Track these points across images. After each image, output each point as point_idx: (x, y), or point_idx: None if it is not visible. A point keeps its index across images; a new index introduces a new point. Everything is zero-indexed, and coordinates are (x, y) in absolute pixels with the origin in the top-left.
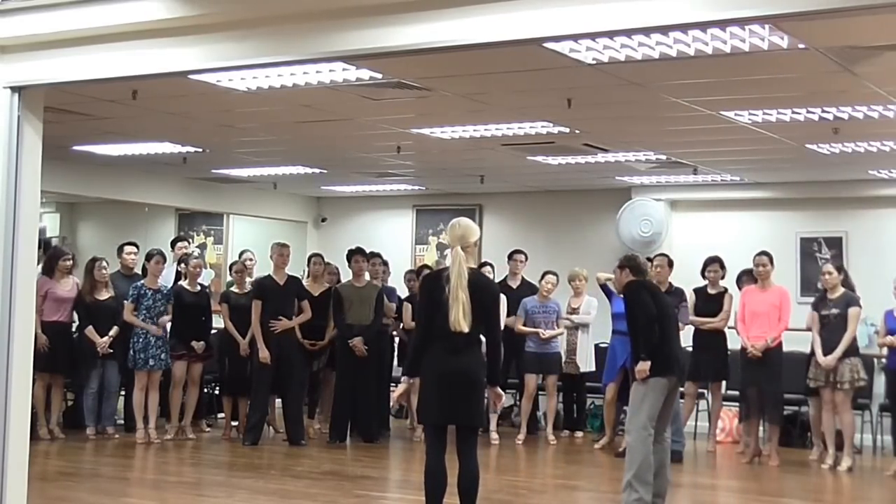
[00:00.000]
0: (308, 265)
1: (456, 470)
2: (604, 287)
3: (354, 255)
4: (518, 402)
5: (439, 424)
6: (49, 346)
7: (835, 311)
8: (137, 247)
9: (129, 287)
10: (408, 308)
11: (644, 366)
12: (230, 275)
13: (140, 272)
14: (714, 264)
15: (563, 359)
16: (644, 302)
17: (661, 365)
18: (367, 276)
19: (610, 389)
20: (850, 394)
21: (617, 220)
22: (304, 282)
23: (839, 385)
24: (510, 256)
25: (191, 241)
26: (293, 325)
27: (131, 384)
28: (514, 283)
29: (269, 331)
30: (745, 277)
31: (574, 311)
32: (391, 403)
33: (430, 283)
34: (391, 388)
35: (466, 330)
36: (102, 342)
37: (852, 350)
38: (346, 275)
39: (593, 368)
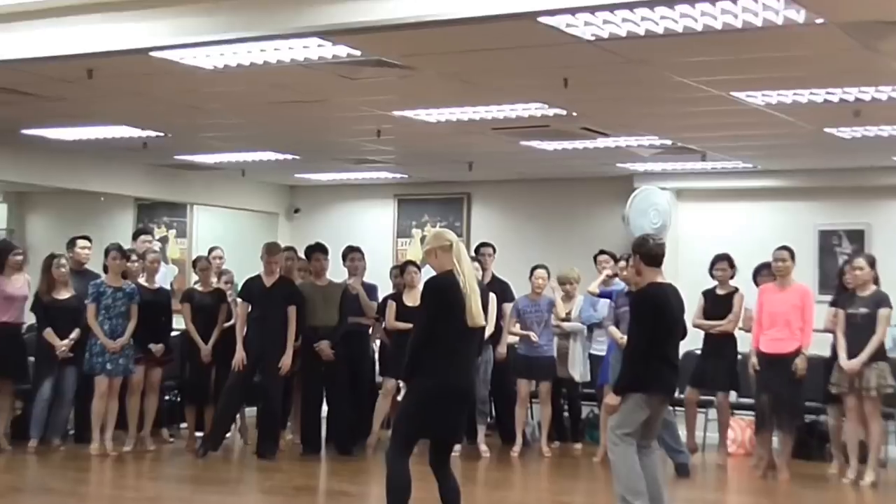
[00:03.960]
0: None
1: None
2: (602, 293)
3: (314, 251)
4: (492, 417)
5: (435, 440)
6: None
7: (863, 310)
8: (91, 241)
9: (82, 284)
10: (391, 307)
11: (612, 400)
12: (194, 271)
13: (103, 269)
14: (722, 262)
15: (556, 364)
16: (645, 317)
17: (643, 380)
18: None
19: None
20: (877, 401)
21: (626, 214)
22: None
23: (865, 392)
24: (476, 250)
25: (153, 233)
26: (289, 360)
27: (85, 391)
28: (485, 279)
29: (249, 336)
30: (765, 271)
31: (566, 316)
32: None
33: (441, 285)
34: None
35: (485, 323)
36: (63, 345)
37: (880, 354)
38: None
39: (588, 379)
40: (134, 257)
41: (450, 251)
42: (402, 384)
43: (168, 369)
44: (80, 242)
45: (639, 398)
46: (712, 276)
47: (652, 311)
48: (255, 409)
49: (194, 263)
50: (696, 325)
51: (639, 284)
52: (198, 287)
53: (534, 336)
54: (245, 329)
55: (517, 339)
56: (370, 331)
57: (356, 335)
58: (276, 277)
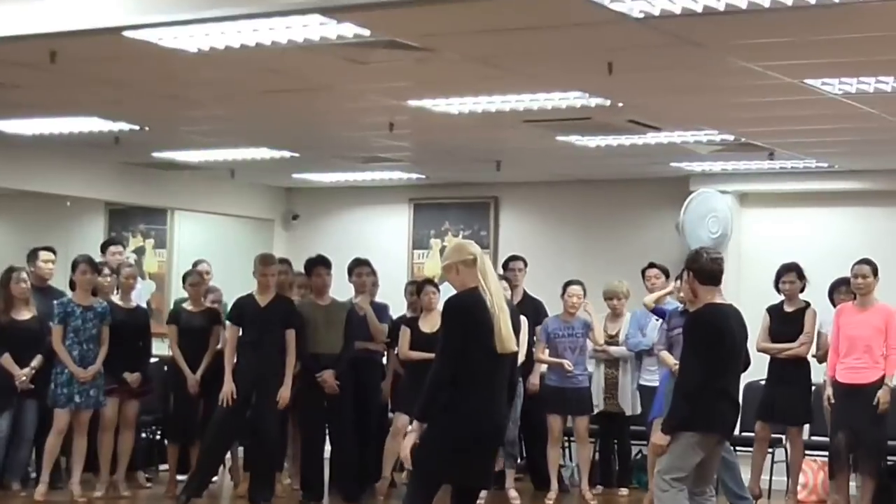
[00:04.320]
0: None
1: None
2: (656, 311)
3: (315, 265)
4: (523, 458)
5: (459, 487)
6: None
7: None
8: (55, 253)
9: (44, 303)
10: (405, 333)
11: (661, 440)
12: (184, 287)
13: (69, 285)
14: (790, 273)
15: (602, 395)
16: (700, 344)
17: (697, 416)
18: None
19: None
20: None
21: (680, 221)
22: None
23: None
24: (505, 265)
25: (125, 244)
26: (288, 392)
27: (48, 427)
28: (515, 299)
29: (243, 363)
30: (844, 288)
31: (612, 339)
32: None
33: (465, 305)
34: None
35: (517, 348)
36: (22, 374)
37: None
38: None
39: (639, 411)
40: (106, 271)
41: (473, 266)
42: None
43: (145, 402)
44: (43, 255)
45: (691, 438)
46: (778, 289)
47: (709, 337)
48: (245, 447)
49: (184, 278)
50: (760, 350)
51: (695, 305)
52: (186, 306)
53: (567, 364)
54: (235, 356)
55: (545, 367)
56: (383, 359)
57: (364, 363)
58: (272, 296)
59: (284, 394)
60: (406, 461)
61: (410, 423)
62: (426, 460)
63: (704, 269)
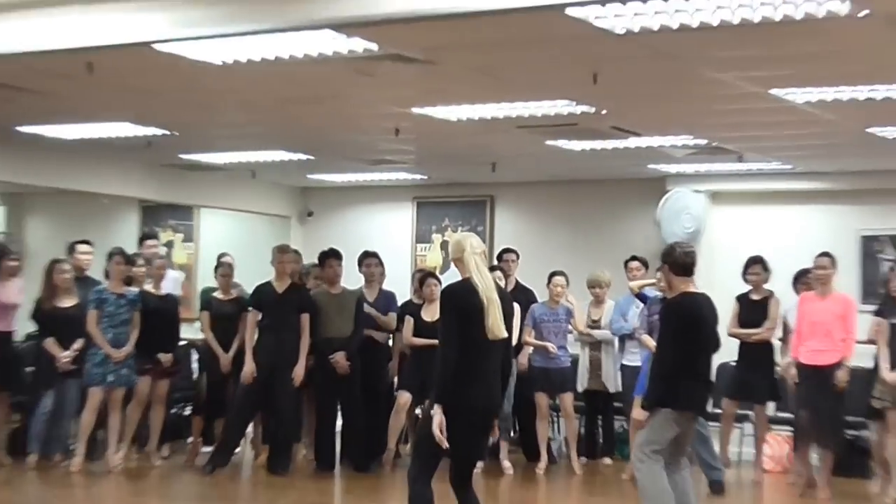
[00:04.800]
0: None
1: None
2: (639, 296)
3: (328, 258)
4: (517, 432)
5: (456, 460)
6: None
7: None
8: (92, 245)
9: (83, 292)
10: (409, 322)
11: (640, 415)
12: (215, 277)
13: (104, 274)
14: (756, 265)
15: (587, 375)
16: (676, 329)
17: (672, 395)
18: (343, 283)
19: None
20: None
21: (657, 217)
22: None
23: None
24: (499, 256)
25: (158, 238)
26: (302, 370)
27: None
28: (508, 287)
29: (263, 345)
30: (805, 279)
31: (595, 323)
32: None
33: (458, 294)
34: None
35: (505, 335)
36: (64, 356)
37: None
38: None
39: (620, 389)
40: (140, 262)
41: (468, 259)
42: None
43: (174, 381)
44: (81, 248)
45: (668, 414)
46: (745, 280)
47: (683, 322)
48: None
49: (215, 269)
50: (731, 335)
51: (671, 294)
52: (217, 295)
53: (552, 347)
54: (255, 338)
55: (532, 349)
56: (389, 342)
57: (372, 347)
58: (288, 284)
59: (299, 371)
60: (440, 438)
61: (413, 401)
62: (425, 437)
63: (678, 261)
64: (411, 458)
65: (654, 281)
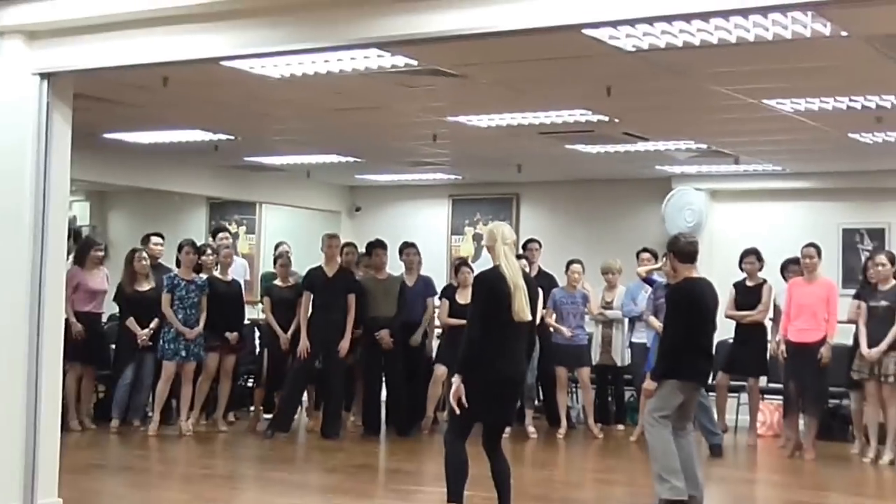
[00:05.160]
0: (341, 255)
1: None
2: (647, 280)
3: (375, 247)
4: (539, 401)
5: (487, 424)
6: (83, 335)
7: (884, 303)
8: (163, 237)
9: (156, 278)
10: (444, 304)
11: (650, 385)
12: (274, 267)
13: (175, 263)
14: (751, 256)
15: (599, 351)
16: (680, 310)
17: (678, 368)
18: (388, 269)
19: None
20: (895, 387)
21: (662, 212)
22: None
23: (884, 378)
24: (524, 246)
25: (231, 232)
26: (347, 343)
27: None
28: (532, 273)
29: (315, 324)
30: (792, 266)
31: (608, 305)
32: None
33: (489, 280)
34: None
35: (530, 318)
36: (143, 334)
37: None
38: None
39: (628, 363)
40: (209, 251)
41: (499, 249)
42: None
43: (240, 356)
44: (154, 239)
45: (674, 384)
46: (741, 269)
47: (687, 304)
48: (317, 391)
49: (275, 260)
50: (727, 316)
51: (675, 279)
52: (277, 282)
53: (567, 332)
54: (308, 317)
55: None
56: (429, 323)
57: (413, 326)
58: (337, 268)
59: (344, 344)
60: (454, 405)
61: (448, 373)
62: (460, 403)
63: (682, 250)
64: (448, 424)
65: (659, 266)
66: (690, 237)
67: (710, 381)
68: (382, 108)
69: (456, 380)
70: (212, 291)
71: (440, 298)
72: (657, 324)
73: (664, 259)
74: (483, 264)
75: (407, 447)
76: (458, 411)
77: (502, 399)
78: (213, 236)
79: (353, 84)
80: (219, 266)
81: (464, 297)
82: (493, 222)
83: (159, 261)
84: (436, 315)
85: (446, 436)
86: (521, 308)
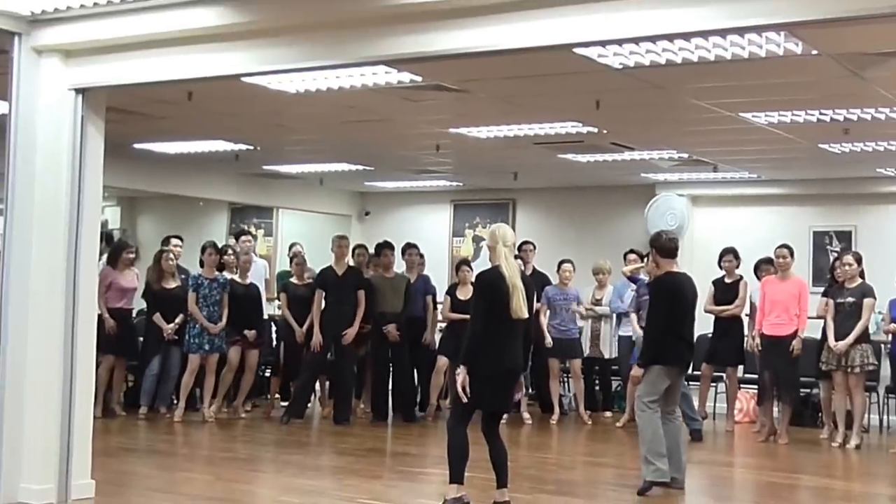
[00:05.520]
0: (352, 256)
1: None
2: (631, 278)
3: (383, 248)
4: (532, 390)
5: (487, 411)
6: (115, 330)
7: (850, 299)
8: (182, 239)
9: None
10: (447, 300)
11: (637, 372)
12: (290, 266)
13: (199, 263)
14: (729, 255)
15: (589, 344)
16: (662, 302)
17: (662, 354)
18: (395, 268)
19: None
20: (861, 377)
21: (646, 216)
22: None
23: (850, 369)
24: (520, 247)
25: (254, 236)
26: (353, 332)
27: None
28: (527, 272)
29: (327, 318)
30: (763, 266)
31: (597, 301)
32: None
33: (489, 280)
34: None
35: (527, 315)
36: (169, 328)
37: (864, 337)
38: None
39: (616, 355)
40: (230, 252)
41: (500, 250)
42: (459, 371)
43: (261, 350)
44: (174, 241)
45: (660, 370)
46: (720, 266)
47: (668, 296)
48: (330, 381)
49: (291, 259)
50: (707, 311)
51: (658, 274)
52: (293, 280)
53: (548, 342)
54: (320, 313)
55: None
56: (432, 318)
57: (418, 321)
58: (346, 267)
59: (350, 332)
60: (461, 393)
61: (450, 363)
62: (465, 393)
63: (664, 246)
64: (450, 411)
65: (642, 265)
66: (671, 234)
67: (691, 370)
68: (389, 120)
69: (461, 370)
70: (231, 293)
71: (445, 295)
72: (636, 325)
73: (645, 259)
74: (482, 264)
75: (412, 432)
76: (464, 399)
77: (502, 388)
78: (237, 239)
79: (363, 98)
80: (238, 270)
81: (464, 293)
82: (496, 224)
83: (178, 261)
84: (438, 310)
85: (449, 422)
86: (519, 306)
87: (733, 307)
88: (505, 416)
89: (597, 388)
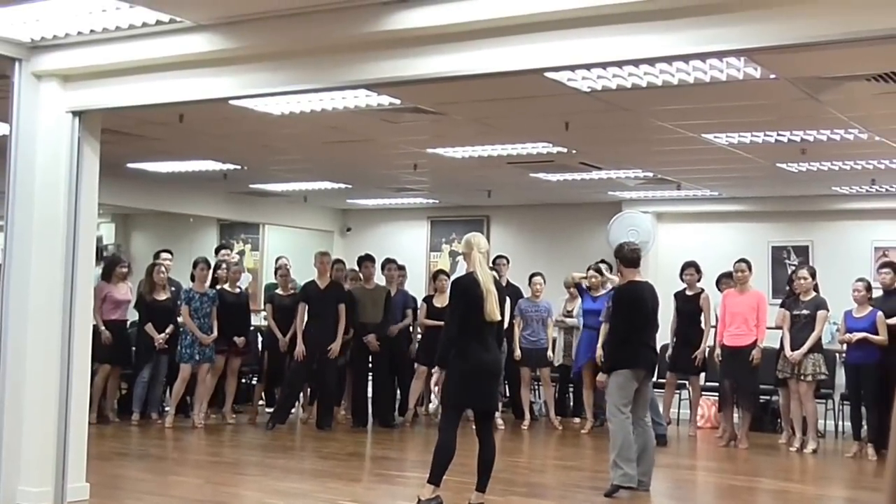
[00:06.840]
0: (331, 270)
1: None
2: (577, 286)
3: (364, 261)
4: (506, 397)
5: (472, 409)
6: (110, 341)
7: (805, 311)
8: (172, 253)
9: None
10: (423, 308)
11: (602, 378)
12: (275, 278)
13: (190, 278)
14: (690, 268)
15: (562, 353)
16: (623, 309)
17: (627, 358)
18: (376, 280)
19: (585, 377)
20: (812, 385)
21: (607, 230)
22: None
23: (803, 377)
24: (494, 261)
25: (232, 248)
26: (338, 346)
27: (176, 376)
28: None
29: (310, 331)
30: (724, 279)
31: (569, 313)
32: (434, 390)
33: (464, 284)
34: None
35: (500, 318)
36: (160, 338)
37: (817, 347)
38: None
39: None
40: (223, 267)
41: (474, 257)
42: (435, 370)
43: (245, 359)
44: (163, 255)
45: (626, 373)
46: (682, 279)
47: (630, 303)
48: (312, 389)
49: (276, 271)
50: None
51: (621, 283)
52: (278, 291)
53: (517, 354)
54: (304, 325)
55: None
56: (410, 328)
57: (399, 331)
58: (328, 281)
59: (334, 347)
60: (438, 395)
61: (428, 371)
62: (450, 393)
63: (626, 256)
64: (441, 415)
65: (585, 276)
66: (634, 245)
67: (656, 377)
68: (370, 141)
69: (436, 371)
70: (222, 301)
71: (422, 302)
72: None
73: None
74: (457, 274)
75: (391, 437)
76: (445, 398)
77: (482, 384)
78: (216, 253)
79: (344, 120)
80: (228, 281)
81: (440, 301)
82: (470, 233)
83: (168, 274)
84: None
85: (441, 423)
86: (493, 310)
87: (706, 326)
88: (497, 413)
89: (568, 395)
